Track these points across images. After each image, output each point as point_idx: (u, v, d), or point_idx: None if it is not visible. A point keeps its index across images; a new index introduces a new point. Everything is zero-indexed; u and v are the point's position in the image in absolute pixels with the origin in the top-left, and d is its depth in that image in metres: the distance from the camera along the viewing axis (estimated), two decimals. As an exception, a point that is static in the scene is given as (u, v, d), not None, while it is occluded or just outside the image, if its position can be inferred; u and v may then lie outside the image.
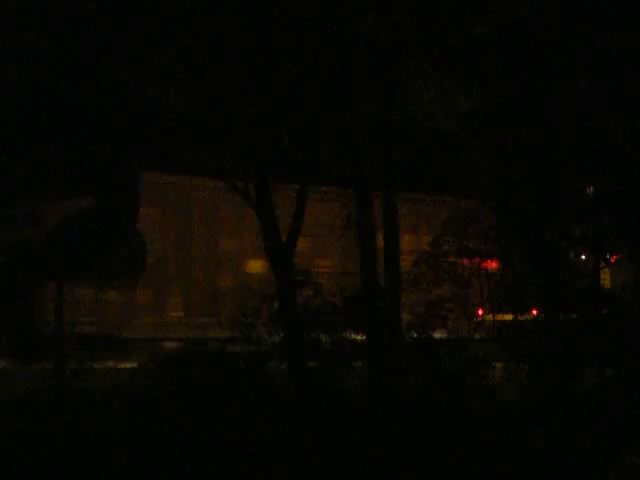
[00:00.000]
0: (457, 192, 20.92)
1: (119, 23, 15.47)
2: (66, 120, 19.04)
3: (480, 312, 23.54)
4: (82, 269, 19.90)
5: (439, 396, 13.09)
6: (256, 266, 32.38)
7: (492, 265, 22.06)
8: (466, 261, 21.76)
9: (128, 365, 16.78)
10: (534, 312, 19.84)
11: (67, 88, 17.93)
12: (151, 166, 24.46)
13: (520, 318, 19.83)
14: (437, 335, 15.79)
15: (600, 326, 16.96)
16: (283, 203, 16.24)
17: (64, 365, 16.84)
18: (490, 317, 23.30)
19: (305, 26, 14.90)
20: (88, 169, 21.55)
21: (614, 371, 15.07)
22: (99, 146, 19.63)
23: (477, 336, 19.12)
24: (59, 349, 17.72)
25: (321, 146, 16.31)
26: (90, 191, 21.99)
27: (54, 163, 21.25)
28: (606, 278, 24.45)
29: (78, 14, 16.45)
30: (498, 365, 15.05)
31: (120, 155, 20.21)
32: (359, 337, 15.75)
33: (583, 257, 20.39)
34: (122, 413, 12.60)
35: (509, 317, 21.30)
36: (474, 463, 10.62)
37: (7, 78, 18.52)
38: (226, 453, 10.91)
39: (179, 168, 23.49)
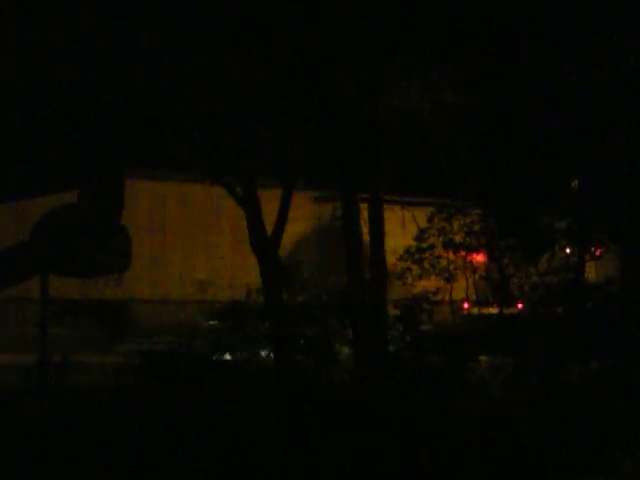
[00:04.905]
0: (443, 186, 20.96)
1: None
2: (50, 112, 18.90)
3: (466, 306, 23.62)
4: (66, 263, 19.81)
5: (424, 391, 13.10)
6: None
7: (478, 259, 22.13)
8: (451, 255, 21.83)
9: (114, 359, 16.76)
10: (519, 305, 19.92)
11: (51, 79, 17.77)
12: (135, 160, 24.40)
13: (506, 312, 19.91)
14: (423, 329, 15.81)
15: (585, 319, 17.00)
16: (268, 198, 16.19)
17: (47, 359, 16.79)
18: (476, 310, 23.38)
19: (288, 19, 14.84)
20: (72, 162, 21.44)
21: (599, 365, 15.11)
22: (84, 138, 19.51)
23: (463, 330, 19.17)
24: (43, 343, 17.64)
25: (307, 138, 16.28)
26: (74, 184, 21.87)
27: (38, 156, 21.14)
28: (591, 271, 24.55)
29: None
30: (483, 359, 15.06)
31: (105, 148, 20.11)
32: (345, 331, 15.76)
33: (568, 250, 20.44)
34: (105, 410, 12.57)
35: (495, 311, 21.39)
36: (460, 460, 10.62)
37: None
38: (210, 451, 10.89)
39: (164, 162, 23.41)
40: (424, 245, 21.66)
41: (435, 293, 17.96)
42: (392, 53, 16.27)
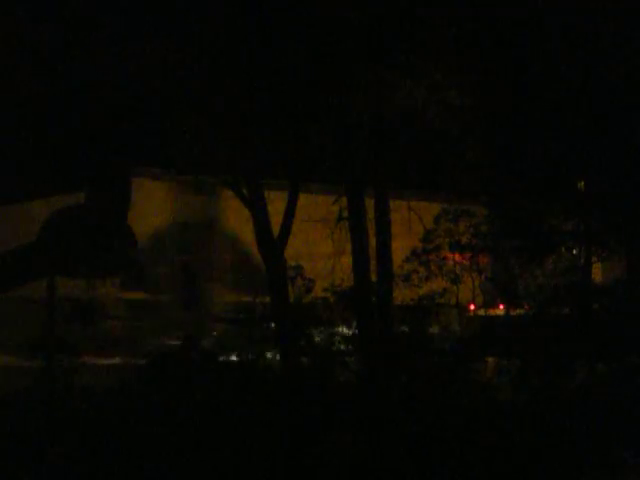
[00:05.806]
0: (449, 187, 20.95)
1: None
2: (57, 114, 18.95)
3: (472, 307, 23.58)
4: (73, 265, 19.86)
5: (430, 391, 13.11)
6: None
7: (484, 260, 22.08)
8: (458, 256, 21.78)
9: (121, 361, 16.79)
10: (526, 307, 19.88)
11: (57, 78, 17.79)
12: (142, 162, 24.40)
13: (512, 313, 19.87)
14: (429, 330, 15.83)
15: (591, 321, 16.98)
16: (274, 200, 16.23)
17: (55, 362, 16.82)
18: (482, 312, 23.34)
19: (296, 23, 14.88)
20: (78, 165, 21.47)
21: (605, 366, 15.09)
22: (90, 141, 19.54)
23: (469, 331, 19.16)
24: (51, 346, 17.67)
25: (313, 142, 16.30)
26: (80, 187, 21.92)
27: (45, 158, 21.17)
28: (597, 272, 24.47)
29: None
30: (489, 360, 15.07)
31: (111, 150, 20.15)
32: (351, 332, 15.78)
33: (575, 251, 20.40)
34: (113, 412, 12.59)
35: (501, 312, 21.36)
36: (465, 458, 10.63)
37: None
38: (217, 450, 10.91)
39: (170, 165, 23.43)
40: (430, 246, 21.63)
41: (441, 295, 17.95)
42: (396, 53, 16.28)
